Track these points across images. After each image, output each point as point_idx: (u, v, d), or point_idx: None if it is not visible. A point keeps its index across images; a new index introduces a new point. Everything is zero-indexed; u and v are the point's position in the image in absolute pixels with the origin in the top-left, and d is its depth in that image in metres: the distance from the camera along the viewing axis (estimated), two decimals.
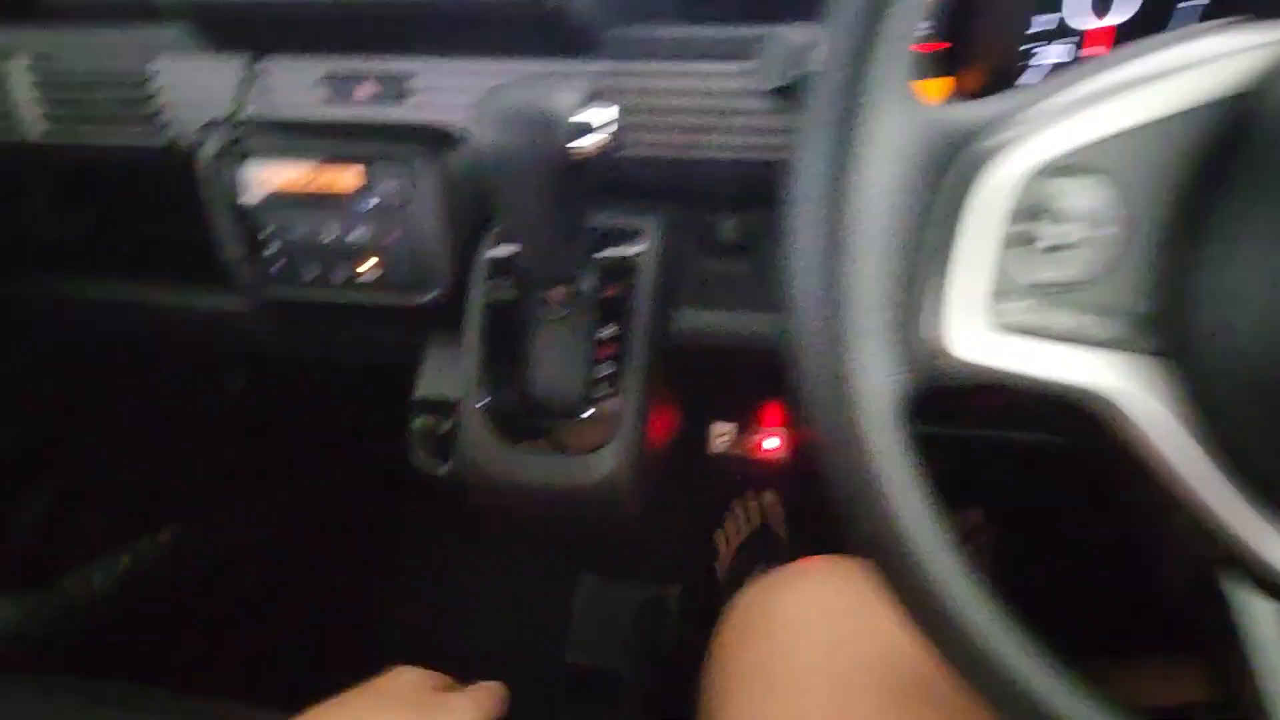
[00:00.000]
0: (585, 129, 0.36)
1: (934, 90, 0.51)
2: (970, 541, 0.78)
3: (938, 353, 0.23)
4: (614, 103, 0.45)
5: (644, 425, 0.45)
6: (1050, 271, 0.23)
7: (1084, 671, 0.23)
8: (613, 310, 0.46)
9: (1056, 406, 0.24)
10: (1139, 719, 0.23)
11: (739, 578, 0.79)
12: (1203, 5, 0.46)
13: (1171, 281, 0.22)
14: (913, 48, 0.23)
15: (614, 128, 0.37)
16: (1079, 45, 0.48)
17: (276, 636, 0.81)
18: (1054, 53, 0.48)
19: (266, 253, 0.51)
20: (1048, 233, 0.22)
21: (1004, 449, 0.71)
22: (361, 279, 0.51)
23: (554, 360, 0.45)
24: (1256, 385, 0.21)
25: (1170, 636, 0.28)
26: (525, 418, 0.46)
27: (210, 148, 0.48)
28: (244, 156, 0.48)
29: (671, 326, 0.52)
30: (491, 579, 1.06)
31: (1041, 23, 0.48)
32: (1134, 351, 0.23)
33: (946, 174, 0.22)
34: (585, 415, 0.44)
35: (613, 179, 0.45)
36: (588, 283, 0.46)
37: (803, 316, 0.23)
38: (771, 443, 0.74)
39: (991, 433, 0.72)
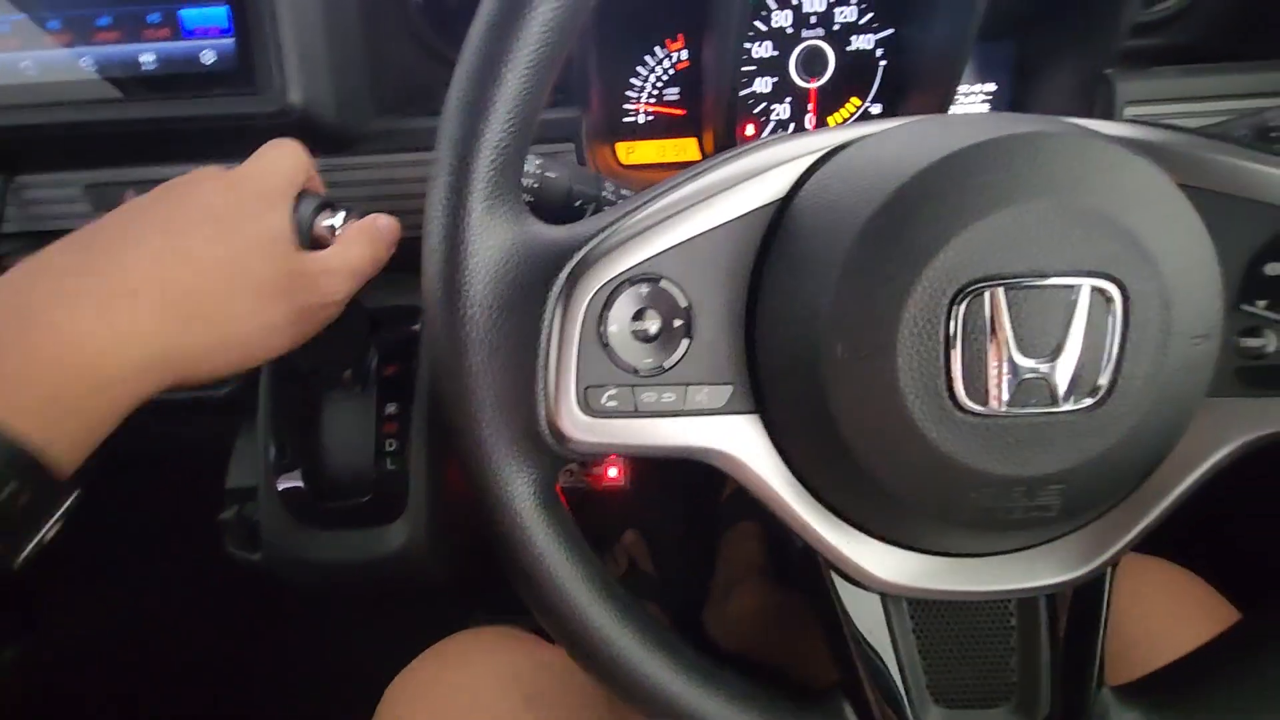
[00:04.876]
0: (323, 237, 0.37)
1: (681, 151, 0.56)
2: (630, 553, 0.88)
3: (563, 441, 0.26)
4: (371, 192, 0.48)
5: (436, 493, 0.48)
6: (645, 359, 0.27)
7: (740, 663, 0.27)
8: (396, 387, 0.48)
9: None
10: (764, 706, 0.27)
11: None
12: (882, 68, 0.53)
13: (742, 356, 0.27)
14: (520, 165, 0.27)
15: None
16: (805, 103, 0.54)
17: None
18: (783, 110, 0.54)
19: None
20: (635, 329, 0.26)
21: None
22: None
23: (342, 440, 0.47)
24: (805, 431, 0.26)
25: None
26: (321, 498, 0.47)
27: None
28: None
29: None
30: (384, 631, 1.05)
31: (767, 84, 0.54)
32: (730, 414, 0.27)
33: (545, 288, 0.26)
34: (371, 494, 0.46)
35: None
36: (371, 362, 0.48)
37: (451, 421, 0.26)
38: (612, 472, 0.78)
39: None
